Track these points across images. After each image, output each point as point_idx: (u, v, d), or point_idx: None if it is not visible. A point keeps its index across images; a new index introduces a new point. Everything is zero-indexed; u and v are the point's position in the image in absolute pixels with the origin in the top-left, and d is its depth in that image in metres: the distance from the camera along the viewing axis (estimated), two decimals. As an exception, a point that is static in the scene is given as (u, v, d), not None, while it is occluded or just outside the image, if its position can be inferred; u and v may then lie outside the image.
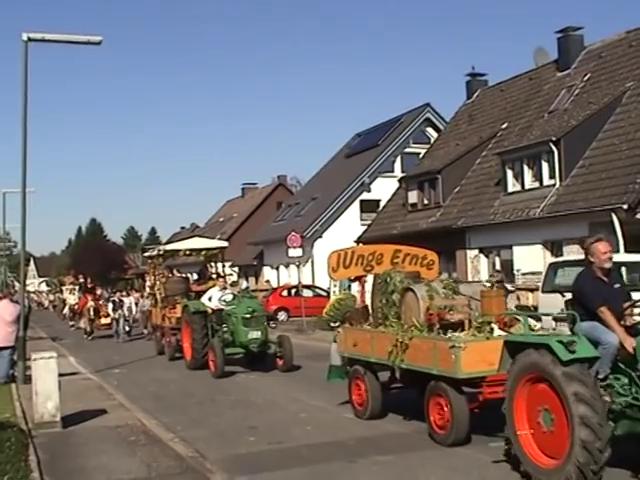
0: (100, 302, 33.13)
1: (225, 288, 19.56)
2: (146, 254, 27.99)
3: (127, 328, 29.99)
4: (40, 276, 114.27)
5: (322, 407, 12.87)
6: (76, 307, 37.67)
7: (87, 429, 11.61)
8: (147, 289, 34.81)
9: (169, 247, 24.84)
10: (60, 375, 12.00)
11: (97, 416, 12.46)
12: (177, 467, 9.03)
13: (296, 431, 11.12)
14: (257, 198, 62.45)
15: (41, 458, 9.51)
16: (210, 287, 20.43)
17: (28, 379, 14.45)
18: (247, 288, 33.22)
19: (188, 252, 24.04)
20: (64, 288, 42.07)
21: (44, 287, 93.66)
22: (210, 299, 18.83)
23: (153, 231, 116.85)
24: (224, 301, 18.52)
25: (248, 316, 17.59)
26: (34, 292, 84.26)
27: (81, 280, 41.37)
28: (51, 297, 61.03)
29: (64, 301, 44.86)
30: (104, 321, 31.56)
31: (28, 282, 76.32)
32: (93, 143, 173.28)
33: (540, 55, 31.26)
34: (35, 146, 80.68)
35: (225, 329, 18.06)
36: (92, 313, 31.30)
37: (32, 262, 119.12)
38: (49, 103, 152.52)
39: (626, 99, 23.77)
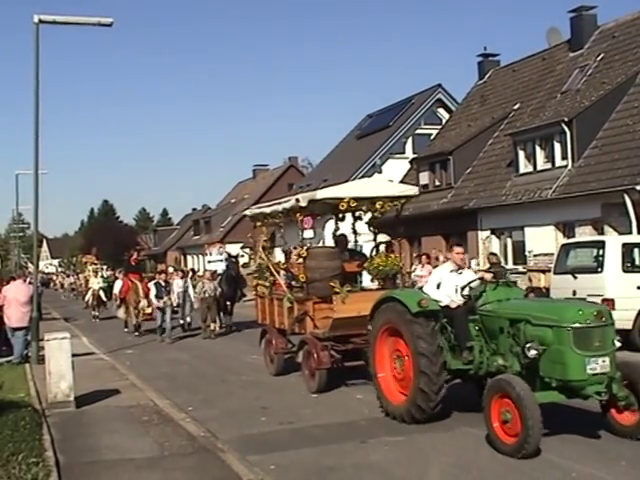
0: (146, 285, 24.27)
1: (461, 267, 10.56)
2: (256, 211, 16.17)
3: (182, 321, 24.08)
4: (53, 257, 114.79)
5: (332, 388, 12.90)
6: (99, 292, 31.44)
7: (100, 409, 11.73)
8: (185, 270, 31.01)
9: (322, 194, 13.57)
10: (73, 355, 12.13)
11: (110, 396, 12.58)
12: (189, 447, 9.12)
13: (307, 411, 11.19)
14: (268, 179, 62.35)
15: (55, 437, 9.62)
16: (377, 267, 13.52)
17: (42, 359, 14.59)
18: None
19: (353, 203, 13.35)
20: (90, 269, 37.60)
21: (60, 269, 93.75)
22: (438, 286, 10.30)
23: (165, 212, 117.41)
24: (471, 290, 10.03)
25: (589, 326, 8.42)
26: (55, 274, 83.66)
27: (94, 261, 39.53)
28: (71, 279, 59.03)
29: (87, 284, 35.90)
30: (147, 310, 24.14)
31: (41, 263, 76.29)
32: (105, 126, 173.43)
33: (553, 35, 30.99)
34: (48, 128, 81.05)
35: (519, 350, 8.91)
36: (151, 294, 22.56)
37: (45, 243, 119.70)
38: (62, 85, 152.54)
39: (639, 79, 23.58)
